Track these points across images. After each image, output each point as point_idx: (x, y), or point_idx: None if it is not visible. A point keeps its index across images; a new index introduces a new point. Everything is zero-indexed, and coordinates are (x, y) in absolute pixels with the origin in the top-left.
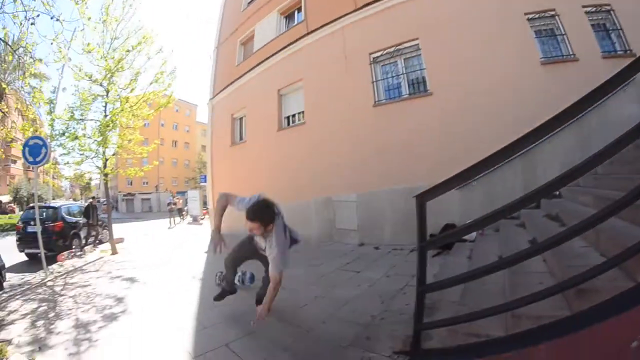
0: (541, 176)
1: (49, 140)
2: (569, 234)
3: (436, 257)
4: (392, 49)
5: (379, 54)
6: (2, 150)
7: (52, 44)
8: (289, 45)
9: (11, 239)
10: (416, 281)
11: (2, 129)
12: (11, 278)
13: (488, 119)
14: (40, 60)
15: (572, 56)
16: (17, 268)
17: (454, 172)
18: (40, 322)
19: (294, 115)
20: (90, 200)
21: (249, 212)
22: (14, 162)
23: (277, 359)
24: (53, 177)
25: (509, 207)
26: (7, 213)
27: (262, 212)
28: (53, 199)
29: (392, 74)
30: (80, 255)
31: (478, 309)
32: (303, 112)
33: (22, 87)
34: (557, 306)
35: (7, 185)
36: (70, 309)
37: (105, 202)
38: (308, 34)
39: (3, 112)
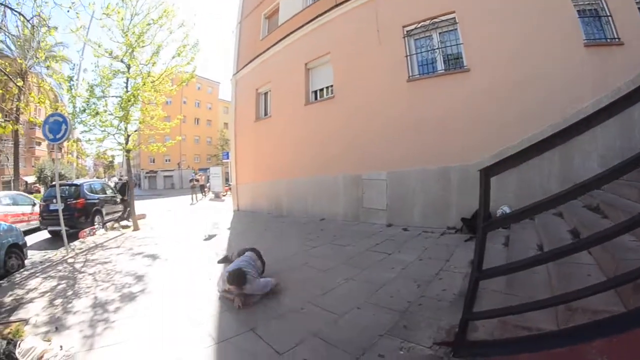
0: (579, 166)
1: (69, 118)
2: (621, 230)
3: (468, 242)
4: (427, 22)
5: (412, 27)
6: (22, 128)
7: (68, 11)
8: (317, 17)
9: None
10: (472, 266)
11: (24, 107)
12: (33, 255)
13: (526, 98)
14: (56, 28)
15: (617, 40)
16: (40, 245)
17: (489, 153)
18: (58, 301)
19: (321, 90)
20: (124, 178)
21: (228, 278)
22: (38, 144)
23: (307, 346)
24: (77, 157)
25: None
26: (32, 193)
27: (236, 279)
28: (76, 177)
29: (427, 48)
30: (102, 231)
31: (529, 300)
32: (331, 86)
33: (40, 66)
34: (610, 301)
35: (32, 166)
36: (89, 287)
37: (125, 180)
38: (337, 5)
39: (19, 87)
